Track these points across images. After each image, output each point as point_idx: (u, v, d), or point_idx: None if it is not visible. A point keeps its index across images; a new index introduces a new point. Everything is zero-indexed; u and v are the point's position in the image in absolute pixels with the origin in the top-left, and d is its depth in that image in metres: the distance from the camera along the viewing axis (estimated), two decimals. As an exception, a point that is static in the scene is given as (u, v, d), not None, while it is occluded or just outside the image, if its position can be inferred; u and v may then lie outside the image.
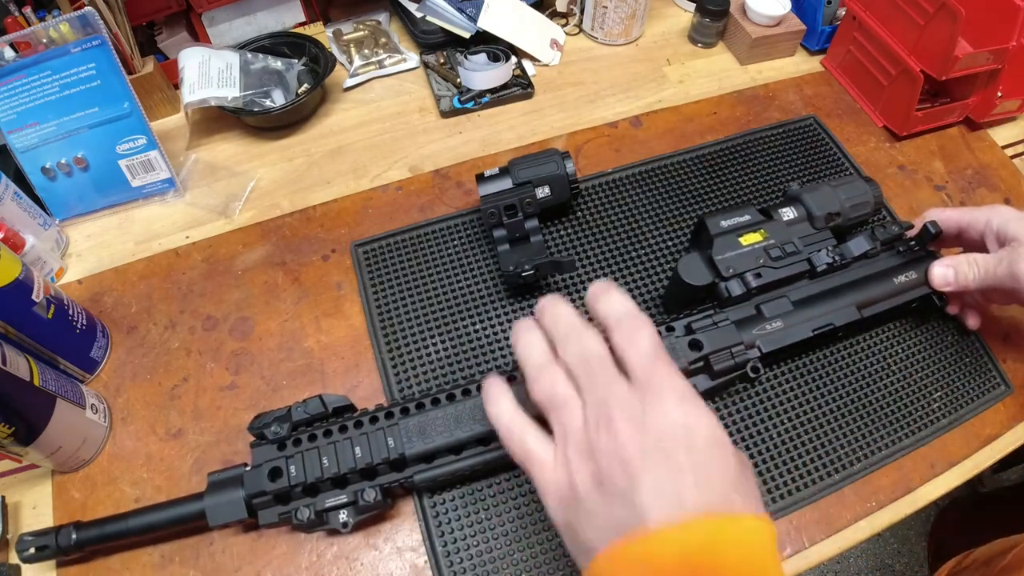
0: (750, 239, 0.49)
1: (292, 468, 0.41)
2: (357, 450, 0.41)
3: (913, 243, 0.52)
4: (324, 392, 0.51)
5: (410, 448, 0.42)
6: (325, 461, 0.41)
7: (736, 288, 0.48)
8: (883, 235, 0.50)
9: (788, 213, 0.51)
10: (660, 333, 0.45)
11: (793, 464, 0.48)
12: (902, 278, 0.50)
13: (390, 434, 0.42)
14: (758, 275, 0.48)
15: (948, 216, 0.50)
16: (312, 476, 0.41)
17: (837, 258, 0.49)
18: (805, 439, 0.49)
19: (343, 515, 0.41)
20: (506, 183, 0.56)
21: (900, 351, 0.53)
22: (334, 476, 0.41)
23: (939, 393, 0.51)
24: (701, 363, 0.45)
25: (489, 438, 0.43)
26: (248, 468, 0.42)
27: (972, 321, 0.53)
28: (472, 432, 0.42)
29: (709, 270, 0.48)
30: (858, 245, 0.50)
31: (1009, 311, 0.56)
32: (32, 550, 0.40)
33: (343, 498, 0.41)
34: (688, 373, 0.45)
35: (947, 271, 0.48)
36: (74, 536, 0.41)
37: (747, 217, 0.50)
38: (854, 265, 0.51)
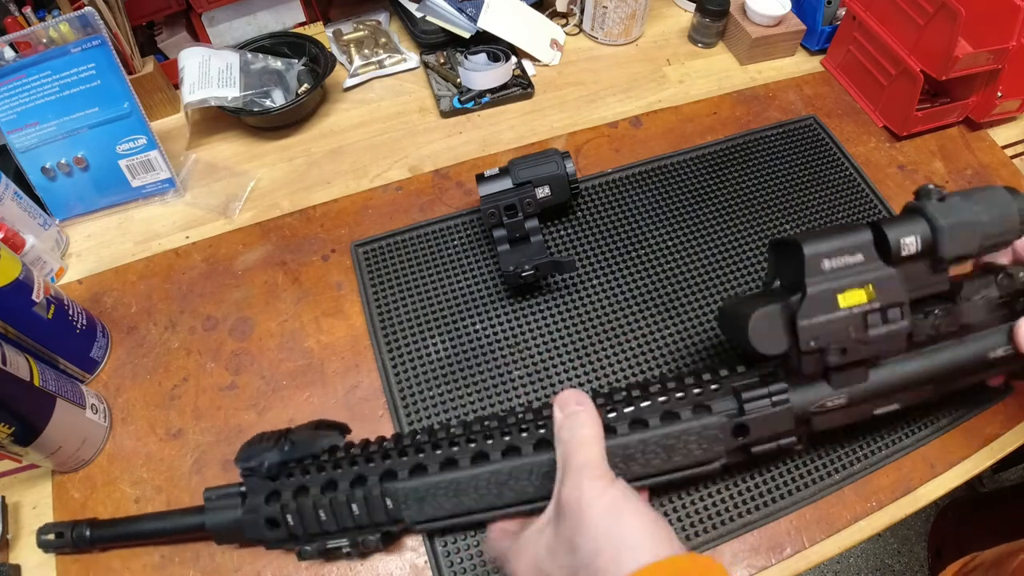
0: (851, 299, 0.36)
1: (288, 518, 0.39)
2: (354, 507, 0.39)
3: None
4: (323, 389, 0.51)
5: (408, 514, 0.39)
6: (322, 515, 0.39)
7: (810, 367, 0.38)
8: (1008, 286, 0.40)
9: (910, 243, 0.36)
10: (699, 403, 0.39)
11: (793, 464, 0.48)
12: (1000, 351, 0.40)
13: (388, 495, 0.39)
14: (843, 351, 0.37)
15: None
16: (310, 528, 0.39)
17: (943, 326, 0.39)
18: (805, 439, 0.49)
19: (346, 548, 0.41)
20: (506, 183, 0.56)
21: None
22: (331, 531, 0.40)
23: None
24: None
25: (498, 508, 0.39)
26: (243, 500, 0.41)
27: None
28: (479, 505, 0.39)
29: (787, 334, 0.37)
30: (975, 311, 0.40)
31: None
32: (52, 536, 0.42)
33: (345, 542, 0.40)
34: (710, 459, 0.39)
35: None
36: (88, 533, 0.42)
37: (859, 256, 0.37)
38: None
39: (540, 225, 0.55)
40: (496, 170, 0.57)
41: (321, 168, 0.66)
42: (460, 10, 0.73)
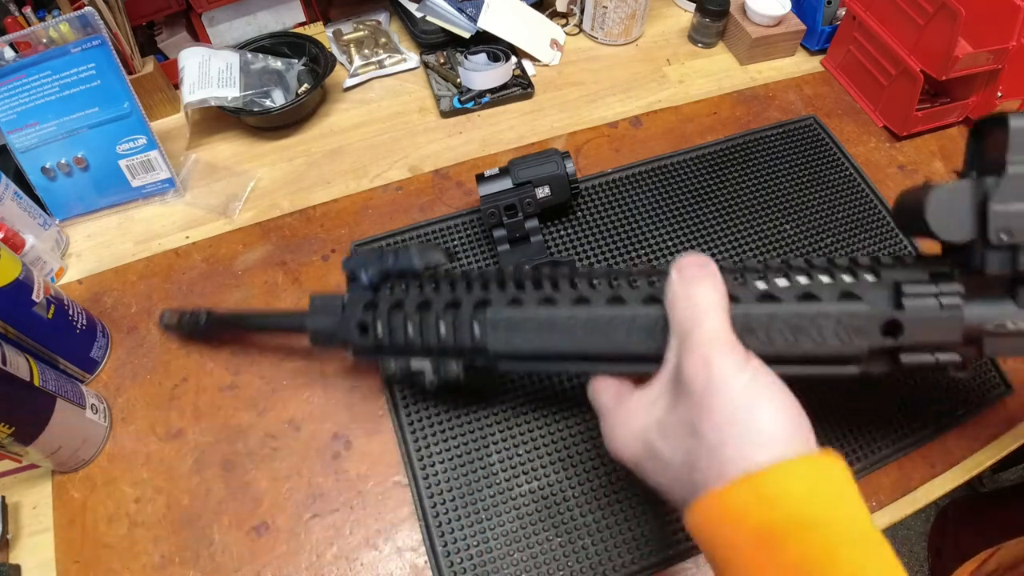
0: None
1: (379, 326, 0.40)
2: (442, 327, 0.38)
3: None
4: (323, 389, 0.51)
5: (494, 341, 0.37)
6: (410, 329, 0.39)
7: (996, 264, 0.30)
8: None
9: None
10: (847, 292, 0.32)
11: (793, 464, 0.48)
12: None
13: (478, 320, 0.37)
14: None
15: None
16: (397, 340, 0.40)
17: None
18: (805, 439, 0.49)
19: (428, 374, 0.40)
20: (506, 183, 0.56)
21: (900, 351, 0.53)
22: (416, 348, 0.40)
23: (939, 393, 0.51)
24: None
25: (591, 358, 0.36)
26: (343, 310, 0.42)
27: None
28: (571, 347, 0.35)
29: (973, 219, 0.30)
30: None
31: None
32: (176, 320, 0.50)
33: (428, 364, 0.40)
34: (842, 358, 0.32)
35: None
36: (203, 320, 0.49)
37: None
38: None
39: (540, 225, 0.55)
40: (496, 170, 0.57)
41: (321, 168, 0.66)
42: (460, 10, 0.73)
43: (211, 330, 0.50)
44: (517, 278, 0.38)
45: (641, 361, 0.34)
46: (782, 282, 0.34)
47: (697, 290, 0.30)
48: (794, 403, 0.28)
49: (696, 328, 0.30)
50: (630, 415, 0.32)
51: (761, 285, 0.33)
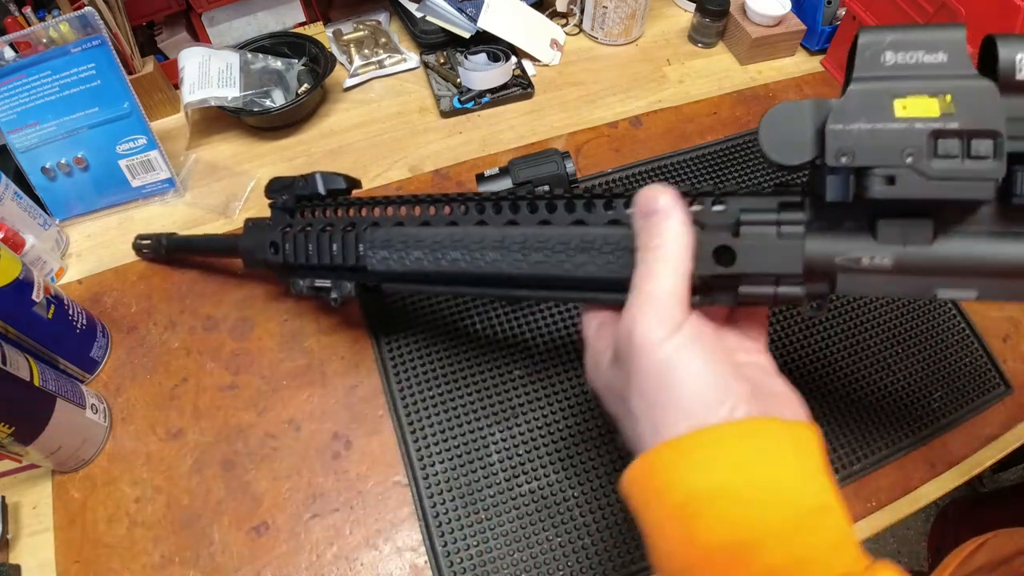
0: (914, 109, 0.26)
1: (287, 246, 0.45)
2: (334, 247, 0.42)
3: None
4: (323, 389, 0.51)
5: (371, 260, 0.38)
6: (310, 248, 0.43)
7: (837, 190, 0.27)
8: None
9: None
10: (695, 201, 0.31)
11: (793, 464, 0.48)
12: None
13: (362, 240, 0.40)
14: (889, 180, 0.26)
15: None
16: (299, 259, 0.44)
17: None
18: (805, 439, 0.49)
19: (332, 292, 0.44)
20: (506, 183, 0.56)
21: (900, 351, 0.53)
22: (315, 266, 0.43)
23: (939, 393, 0.51)
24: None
25: (485, 281, 0.35)
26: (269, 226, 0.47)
27: None
28: (449, 268, 0.35)
29: (813, 141, 0.27)
30: None
31: (1009, 311, 0.56)
32: (146, 242, 0.56)
33: (328, 283, 0.45)
34: (697, 286, 0.29)
35: None
36: (164, 242, 0.55)
37: (940, 56, 0.25)
38: None
39: (540, 225, 0.55)
40: (496, 170, 0.57)
41: (321, 168, 0.65)
42: (460, 10, 0.73)
43: (172, 253, 0.56)
44: (436, 201, 0.38)
45: (584, 288, 0.32)
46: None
47: (655, 236, 0.28)
48: (726, 370, 0.26)
49: (642, 281, 0.27)
50: (598, 354, 0.30)
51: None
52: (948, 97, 0.25)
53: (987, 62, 0.26)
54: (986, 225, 0.27)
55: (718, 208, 0.30)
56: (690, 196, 0.31)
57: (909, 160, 0.25)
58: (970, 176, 0.25)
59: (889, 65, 0.26)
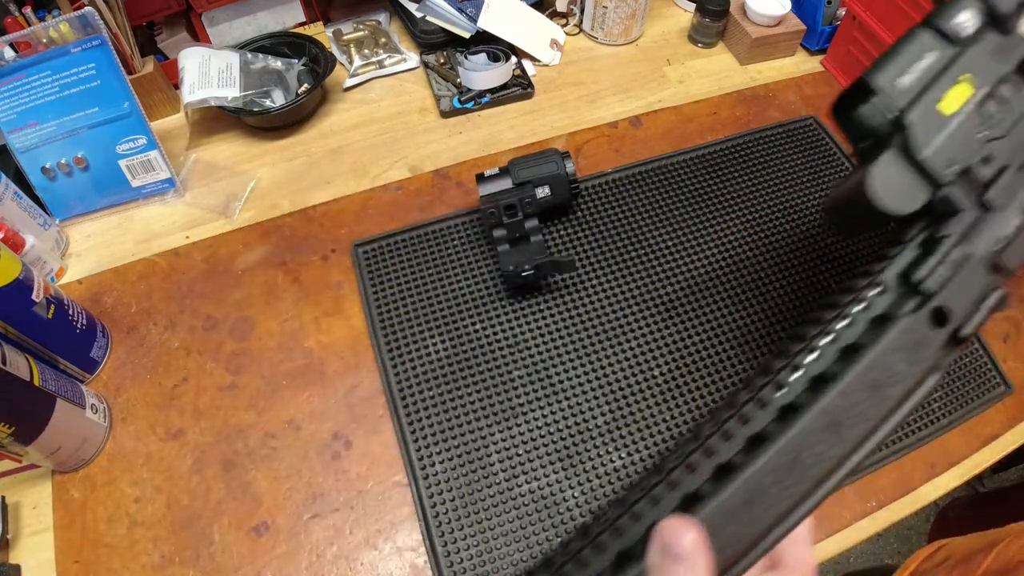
0: (956, 99, 0.30)
1: None
2: None
3: None
4: (323, 389, 0.51)
5: None
6: None
7: (962, 200, 0.29)
8: None
9: (966, 20, 0.31)
10: (860, 286, 0.29)
11: (793, 464, 0.48)
12: None
13: None
14: (986, 160, 0.30)
15: None
16: None
17: None
18: (805, 439, 0.49)
19: None
20: (506, 183, 0.56)
21: (900, 351, 0.53)
22: None
23: (939, 393, 0.51)
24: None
25: None
26: None
27: None
28: None
29: (919, 179, 0.29)
30: None
31: (1008, 311, 0.56)
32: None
33: None
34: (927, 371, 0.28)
35: None
36: None
37: (933, 55, 0.30)
38: None
39: (540, 225, 0.55)
40: (496, 170, 0.57)
41: (321, 168, 0.66)
42: (460, 10, 0.73)
43: None
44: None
45: None
46: (806, 363, 0.28)
47: None
48: None
49: None
50: None
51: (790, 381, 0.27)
52: (966, 75, 0.30)
53: (943, 34, 0.31)
54: None
55: (875, 293, 0.29)
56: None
57: (983, 135, 0.30)
58: (1021, 110, 0.31)
59: (910, 86, 0.30)
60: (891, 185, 0.29)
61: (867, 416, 0.27)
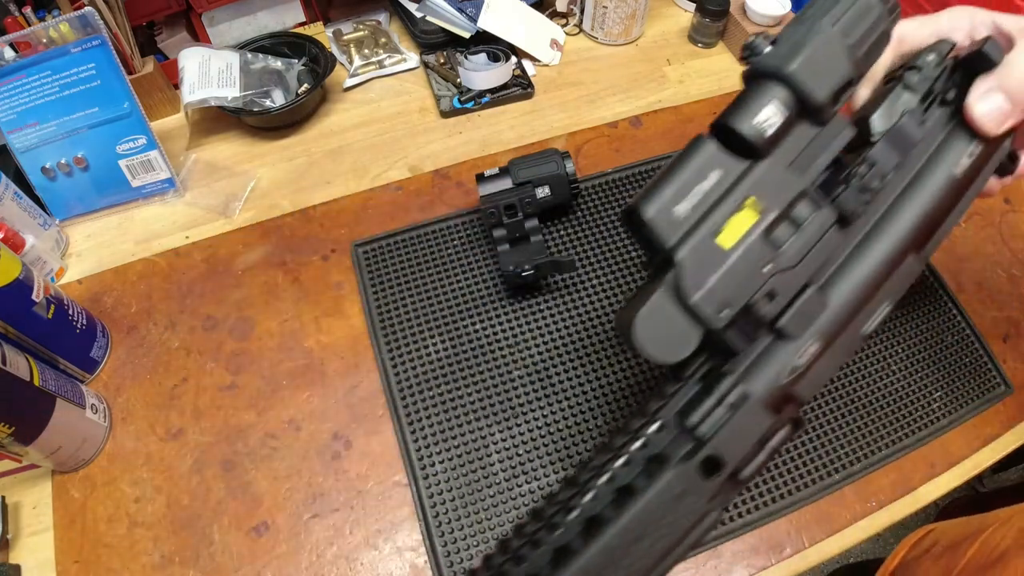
0: (736, 231, 0.26)
1: None
2: None
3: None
4: (323, 389, 0.51)
5: None
6: None
7: (742, 340, 0.27)
8: (923, 80, 0.32)
9: (769, 116, 0.27)
10: (651, 457, 0.27)
11: (793, 464, 0.48)
12: (966, 158, 0.31)
13: None
14: (770, 296, 0.27)
15: (914, 31, 0.36)
16: None
17: (877, 177, 0.29)
18: (805, 439, 0.49)
19: None
20: (506, 183, 0.56)
21: (900, 351, 0.53)
22: None
23: (939, 393, 0.51)
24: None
25: None
26: None
27: None
28: None
29: (689, 322, 0.26)
30: (904, 136, 0.30)
31: (1008, 311, 0.56)
32: None
33: None
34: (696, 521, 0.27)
35: (996, 97, 0.31)
36: None
37: (715, 174, 0.26)
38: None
39: (540, 225, 0.55)
40: (496, 170, 0.57)
41: (321, 168, 0.66)
42: (460, 10, 0.73)
43: None
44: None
45: None
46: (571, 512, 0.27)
47: None
48: None
49: None
50: None
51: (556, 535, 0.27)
52: (751, 199, 0.26)
53: (732, 142, 0.27)
54: (843, 252, 0.29)
55: (654, 430, 0.28)
56: (627, 437, 0.28)
57: (767, 269, 0.26)
58: (816, 235, 0.27)
59: (686, 215, 0.26)
60: (658, 333, 0.26)
61: (636, 563, 0.27)
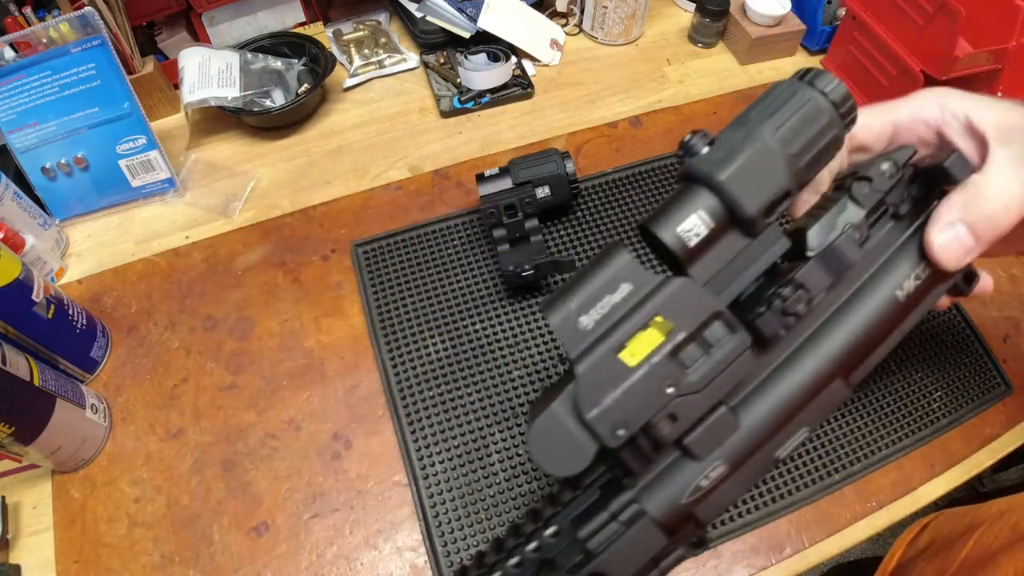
0: (641, 350, 0.25)
1: None
2: None
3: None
4: (323, 389, 0.51)
5: None
6: None
7: (639, 460, 0.27)
8: (873, 193, 0.29)
9: (695, 227, 0.26)
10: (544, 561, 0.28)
11: (793, 464, 0.48)
12: (911, 281, 0.29)
13: None
14: (672, 418, 0.26)
15: (869, 122, 0.33)
16: None
17: (806, 300, 0.27)
18: (805, 439, 0.49)
19: None
20: (506, 183, 0.56)
21: (900, 351, 0.53)
22: None
23: (939, 393, 0.51)
24: None
25: None
26: None
27: (987, 281, 0.34)
28: None
29: (586, 437, 0.25)
30: (842, 253, 0.27)
31: (1008, 311, 0.56)
32: None
33: None
34: None
35: (959, 232, 0.28)
36: None
37: (626, 287, 0.25)
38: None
39: (540, 225, 0.55)
40: (496, 170, 0.57)
41: (321, 168, 0.66)
42: (460, 10, 0.73)
43: None
44: None
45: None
46: None
47: None
48: None
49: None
50: None
51: None
52: (659, 318, 0.25)
53: (658, 248, 0.26)
54: (760, 374, 0.28)
55: (550, 533, 0.28)
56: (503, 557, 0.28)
57: (671, 391, 0.25)
58: (728, 359, 0.26)
59: (591, 328, 0.25)
60: (553, 445, 0.25)
61: None
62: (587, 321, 0.25)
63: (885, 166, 0.28)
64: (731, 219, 0.26)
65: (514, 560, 0.28)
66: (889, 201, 0.29)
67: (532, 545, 0.28)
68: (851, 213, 0.28)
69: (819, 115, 0.26)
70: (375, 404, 0.51)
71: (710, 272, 0.26)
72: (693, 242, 0.26)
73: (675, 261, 0.26)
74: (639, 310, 0.25)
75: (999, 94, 0.65)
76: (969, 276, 0.31)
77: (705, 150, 0.26)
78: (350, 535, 0.45)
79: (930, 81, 0.63)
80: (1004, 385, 0.52)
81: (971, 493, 1.13)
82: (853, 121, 0.27)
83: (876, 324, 0.28)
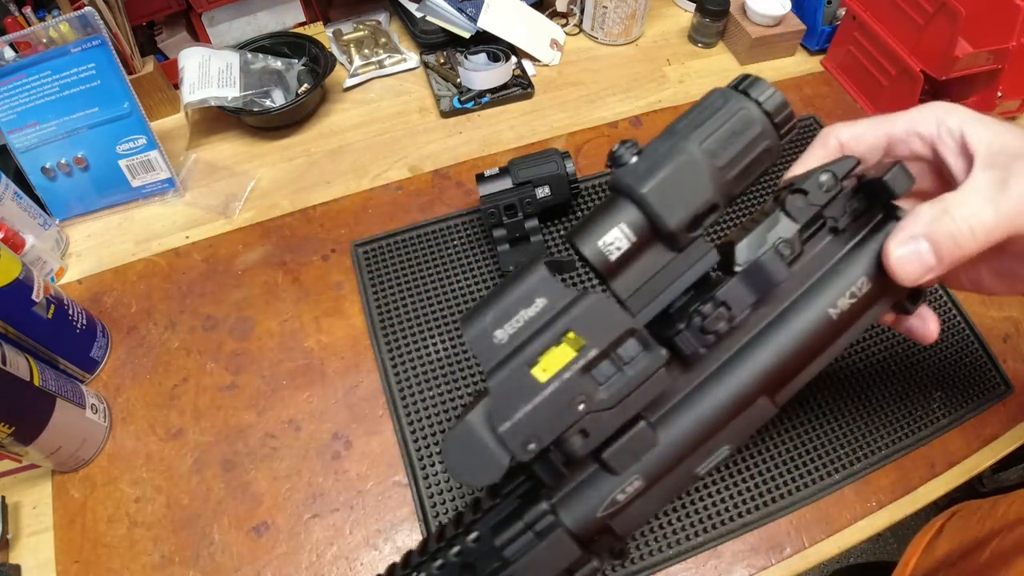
0: (552, 366, 0.25)
1: None
2: None
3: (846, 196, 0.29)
4: (323, 389, 0.51)
5: None
6: None
7: (550, 468, 0.27)
8: (808, 206, 0.27)
9: (616, 241, 0.26)
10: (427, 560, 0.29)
11: (793, 464, 0.48)
12: (846, 298, 0.28)
13: None
14: (584, 433, 0.25)
15: (863, 133, 0.33)
16: None
17: (729, 317, 0.27)
18: (805, 439, 0.49)
19: None
20: (506, 183, 0.56)
21: (900, 351, 0.53)
22: None
23: (939, 393, 0.51)
24: None
25: None
26: None
27: (933, 326, 0.33)
28: None
29: (500, 449, 0.25)
30: (768, 269, 0.27)
31: (1009, 311, 0.56)
32: None
33: None
34: None
35: (920, 247, 0.27)
36: None
37: (540, 302, 0.25)
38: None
39: (540, 225, 0.55)
40: (496, 170, 0.57)
41: (321, 168, 0.66)
42: (460, 10, 0.73)
43: None
44: None
45: None
46: None
47: None
48: None
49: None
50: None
51: None
52: (571, 334, 0.25)
53: (585, 260, 0.26)
54: (682, 391, 0.28)
55: (471, 539, 0.28)
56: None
57: (582, 407, 0.25)
58: (641, 377, 0.25)
59: (505, 342, 0.25)
60: (467, 457, 0.25)
61: None
62: (502, 335, 0.25)
63: (823, 178, 0.27)
64: (654, 233, 0.26)
65: (438, 563, 0.28)
66: (828, 214, 0.28)
67: (454, 549, 0.28)
68: (784, 227, 0.27)
69: (750, 126, 0.25)
70: (375, 404, 0.51)
71: (634, 286, 0.26)
72: (615, 256, 0.25)
73: (597, 274, 0.26)
74: (552, 326, 0.25)
75: (999, 94, 0.65)
76: (915, 294, 0.30)
77: (633, 160, 0.26)
78: (350, 535, 0.45)
79: (930, 81, 0.63)
80: (1004, 385, 0.52)
81: (971, 493, 1.13)
82: (791, 131, 0.27)
83: (805, 343, 0.27)
